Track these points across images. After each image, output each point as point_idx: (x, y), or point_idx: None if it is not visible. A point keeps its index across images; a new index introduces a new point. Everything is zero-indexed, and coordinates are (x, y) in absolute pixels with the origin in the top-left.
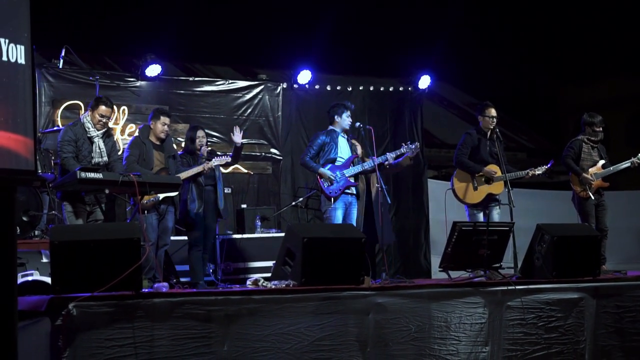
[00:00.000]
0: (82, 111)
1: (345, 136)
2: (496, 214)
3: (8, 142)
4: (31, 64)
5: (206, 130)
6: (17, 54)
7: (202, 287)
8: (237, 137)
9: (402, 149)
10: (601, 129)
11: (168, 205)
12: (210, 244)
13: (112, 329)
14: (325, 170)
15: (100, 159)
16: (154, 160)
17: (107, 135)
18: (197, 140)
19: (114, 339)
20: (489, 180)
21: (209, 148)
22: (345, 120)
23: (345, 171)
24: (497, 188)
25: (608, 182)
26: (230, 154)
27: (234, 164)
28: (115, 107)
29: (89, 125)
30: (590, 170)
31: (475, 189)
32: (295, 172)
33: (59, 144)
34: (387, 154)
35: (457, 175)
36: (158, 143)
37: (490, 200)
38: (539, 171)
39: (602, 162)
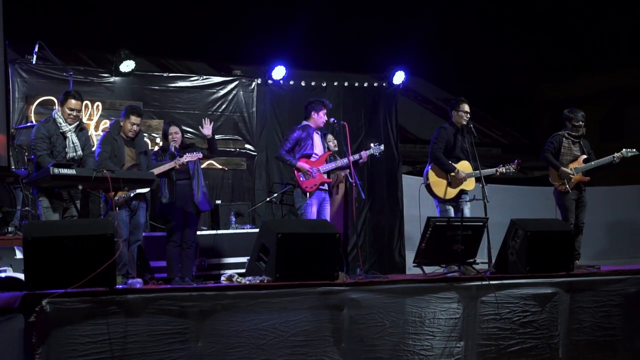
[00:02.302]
0: (56, 107)
1: (320, 133)
2: (467, 209)
3: None
4: (4, 60)
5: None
6: None
7: (176, 283)
8: (207, 129)
9: (371, 150)
10: (582, 123)
11: (140, 202)
12: (192, 239)
13: (86, 325)
14: (304, 164)
15: (74, 154)
16: (125, 156)
17: (80, 129)
18: (170, 137)
19: (88, 335)
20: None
21: (177, 145)
22: (321, 117)
23: (320, 167)
24: (468, 184)
25: (589, 176)
26: (203, 149)
27: (213, 157)
28: (85, 101)
29: (60, 120)
30: (570, 165)
31: (450, 184)
32: (270, 167)
33: (32, 142)
34: (362, 152)
35: (433, 170)
36: (129, 139)
37: (461, 195)
38: (507, 169)
39: (583, 156)
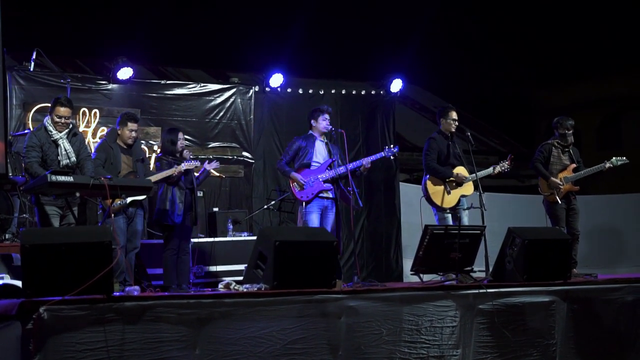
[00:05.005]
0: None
1: (324, 140)
2: (465, 217)
3: None
4: (2, 66)
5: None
6: None
7: (173, 291)
8: (208, 166)
9: (383, 152)
10: (571, 132)
11: (137, 209)
12: (187, 247)
13: (83, 333)
14: (296, 175)
15: (67, 161)
16: (122, 163)
17: (73, 134)
18: (179, 142)
19: (86, 343)
20: (459, 183)
21: (190, 153)
22: (321, 123)
23: (319, 175)
24: (467, 189)
25: (579, 186)
26: (197, 159)
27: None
28: (82, 108)
29: (51, 128)
30: (560, 174)
31: (449, 192)
32: (268, 175)
33: (24, 150)
34: (363, 159)
35: (430, 181)
36: (125, 147)
37: (458, 203)
38: (501, 167)
39: (572, 165)
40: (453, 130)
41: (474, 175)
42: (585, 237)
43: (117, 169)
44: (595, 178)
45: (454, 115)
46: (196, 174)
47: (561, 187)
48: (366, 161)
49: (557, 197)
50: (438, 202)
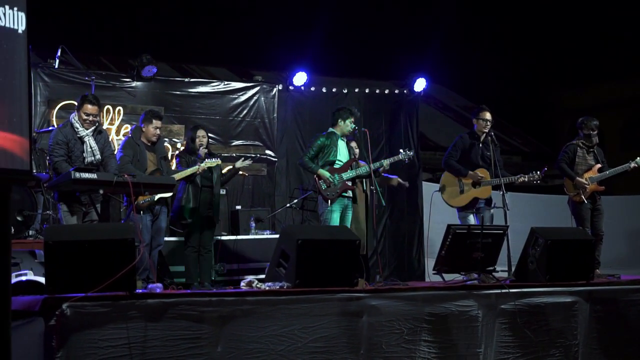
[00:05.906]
0: (74, 111)
1: (345, 139)
2: (488, 217)
3: (4, 141)
4: (27, 63)
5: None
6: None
7: (195, 288)
8: (239, 163)
9: (399, 155)
10: (596, 132)
11: (161, 206)
12: (209, 244)
13: (105, 330)
14: (324, 172)
15: (92, 158)
16: (147, 161)
17: (98, 132)
18: (197, 140)
19: (108, 339)
20: (476, 184)
21: (206, 150)
22: (348, 125)
23: (343, 174)
24: (483, 192)
25: (603, 186)
26: (219, 158)
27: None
28: (105, 105)
29: (77, 125)
30: (585, 174)
31: (462, 191)
32: (290, 173)
33: (50, 147)
34: (383, 160)
35: (445, 177)
36: (149, 144)
37: (475, 203)
38: (530, 177)
39: (597, 166)
40: (486, 130)
41: (495, 180)
42: (609, 238)
43: (144, 166)
44: (617, 179)
45: (487, 115)
46: (223, 171)
47: (587, 187)
48: (386, 163)
49: (583, 197)
50: (448, 200)
